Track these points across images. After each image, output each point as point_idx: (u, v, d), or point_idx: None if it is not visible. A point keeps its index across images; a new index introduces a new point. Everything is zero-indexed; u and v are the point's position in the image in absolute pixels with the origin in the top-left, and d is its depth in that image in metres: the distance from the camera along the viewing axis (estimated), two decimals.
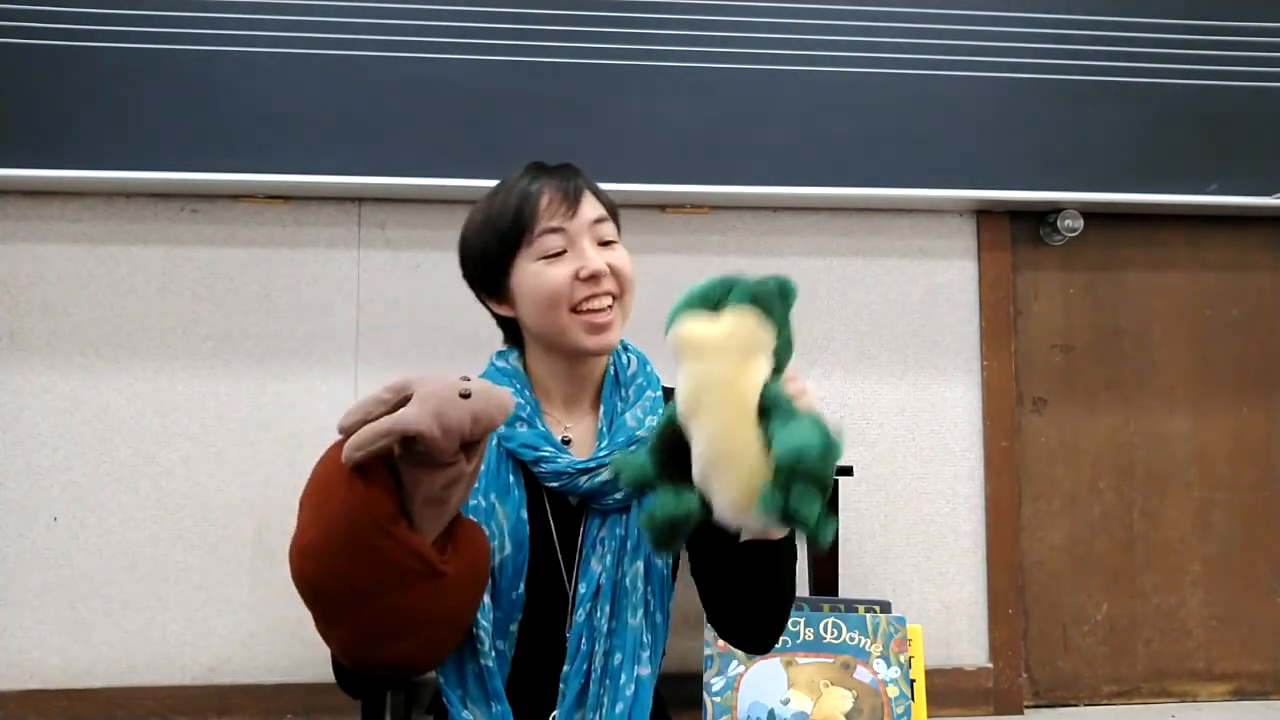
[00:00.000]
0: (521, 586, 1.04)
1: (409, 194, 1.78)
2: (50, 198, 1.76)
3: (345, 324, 1.80)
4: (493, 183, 1.14)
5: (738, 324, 0.84)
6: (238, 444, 1.77)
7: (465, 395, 0.83)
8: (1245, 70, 1.90)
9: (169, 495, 1.75)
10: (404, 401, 0.83)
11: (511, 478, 1.06)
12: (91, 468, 1.74)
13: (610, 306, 1.07)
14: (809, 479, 0.77)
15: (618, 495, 1.05)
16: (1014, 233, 1.97)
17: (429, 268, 1.82)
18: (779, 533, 0.97)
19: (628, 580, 1.04)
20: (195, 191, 1.77)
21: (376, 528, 0.83)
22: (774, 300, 0.85)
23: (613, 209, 1.12)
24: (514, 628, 1.05)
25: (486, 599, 1.02)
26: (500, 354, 1.17)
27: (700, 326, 0.85)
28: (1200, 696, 1.96)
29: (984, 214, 1.96)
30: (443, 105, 1.72)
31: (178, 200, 1.79)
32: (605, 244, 1.08)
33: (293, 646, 1.75)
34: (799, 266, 1.89)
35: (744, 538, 0.99)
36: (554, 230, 1.05)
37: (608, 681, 1.02)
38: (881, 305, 1.92)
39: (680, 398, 0.85)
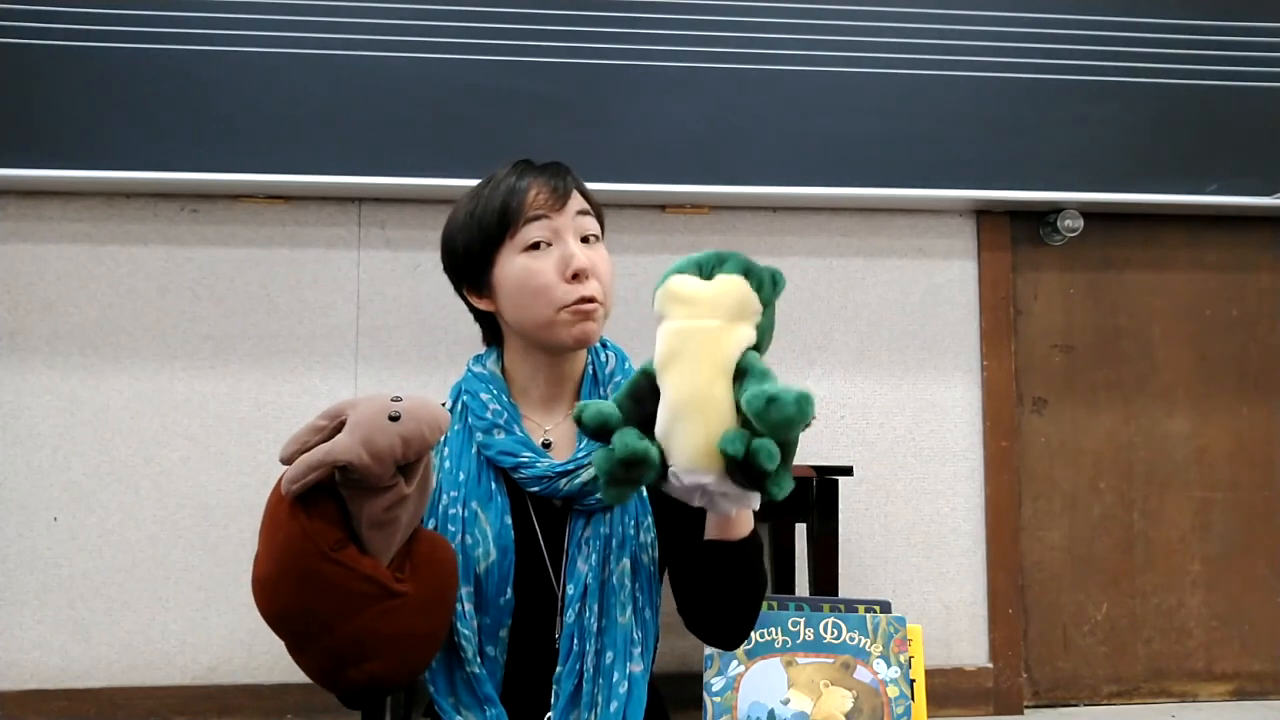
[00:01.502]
0: (509, 591, 1.04)
1: (409, 194, 1.78)
2: (50, 198, 1.76)
3: (345, 324, 1.80)
4: None
5: (730, 285, 0.87)
6: (238, 444, 1.77)
7: (395, 418, 0.83)
8: (1245, 70, 1.90)
9: (169, 495, 1.75)
10: (340, 427, 0.83)
11: (493, 484, 1.06)
12: (91, 468, 1.74)
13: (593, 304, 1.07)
14: (775, 427, 0.79)
15: (599, 495, 1.05)
16: (1014, 233, 1.97)
17: (429, 268, 1.82)
18: (738, 530, 0.98)
19: (614, 578, 1.04)
20: (195, 191, 1.77)
21: (322, 556, 0.84)
22: (765, 278, 0.89)
23: (598, 209, 1.12)
24: (504, 633, 1.05)
25: (469, 606, 1.02)
26: (478, 358, 1.16)
27: (692, 282, 0.88)
28: (1200, 696, 1.96)
29: (984, 214, 1.96)
30: (443, 105, 1.72)
31: (178, 200, 1.79)
32: (587, 241, 1.08)
33: None
34: (799, 266, 1.88)
35: (707, 535, 0.99)
36: (538, 218, 1.05)
37: (600, 680, 1.02)
38: (881, 305, 1.92)
39: (659, 348, 0.87)
